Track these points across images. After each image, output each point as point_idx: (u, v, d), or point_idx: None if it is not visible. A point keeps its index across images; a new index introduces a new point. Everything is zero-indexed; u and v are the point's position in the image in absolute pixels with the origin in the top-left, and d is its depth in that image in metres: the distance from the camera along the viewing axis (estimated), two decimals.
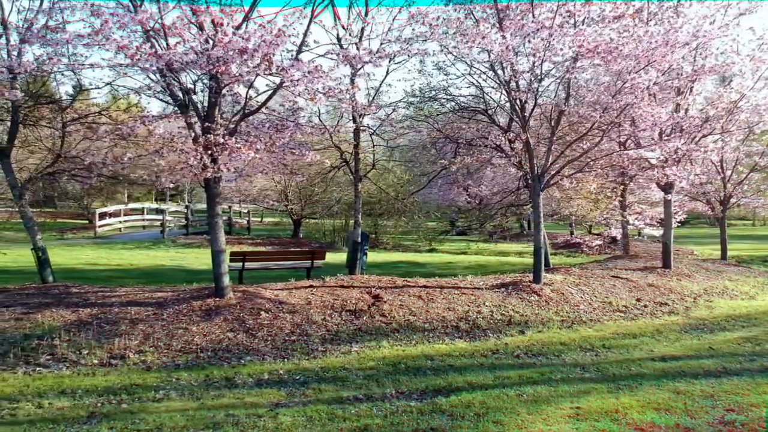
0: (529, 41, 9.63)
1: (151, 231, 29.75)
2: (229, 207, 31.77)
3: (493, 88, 13.90)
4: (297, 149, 9.52)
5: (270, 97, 9.38)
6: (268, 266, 13.76)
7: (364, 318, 9.68)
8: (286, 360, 7.98)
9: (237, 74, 7.25)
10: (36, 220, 10.72)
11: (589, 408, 6.27)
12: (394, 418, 5.97)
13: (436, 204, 32.01)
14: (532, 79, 10.86)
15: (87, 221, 33.34)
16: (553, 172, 11.92)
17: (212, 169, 8.78)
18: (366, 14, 11.48)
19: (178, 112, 8.99)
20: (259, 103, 9.57)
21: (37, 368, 7.33)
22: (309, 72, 7.34)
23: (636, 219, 19.32)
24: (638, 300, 12.10)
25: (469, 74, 13.58)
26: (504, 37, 9.88)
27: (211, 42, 7.78)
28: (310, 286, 11.13)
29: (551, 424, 5.82)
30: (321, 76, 7.37)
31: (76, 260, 17.84)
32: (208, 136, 8.34)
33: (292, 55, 8.96)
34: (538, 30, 9.57)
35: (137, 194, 40.35)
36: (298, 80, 7.50)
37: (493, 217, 19.14)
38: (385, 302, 10.30)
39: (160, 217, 30.42)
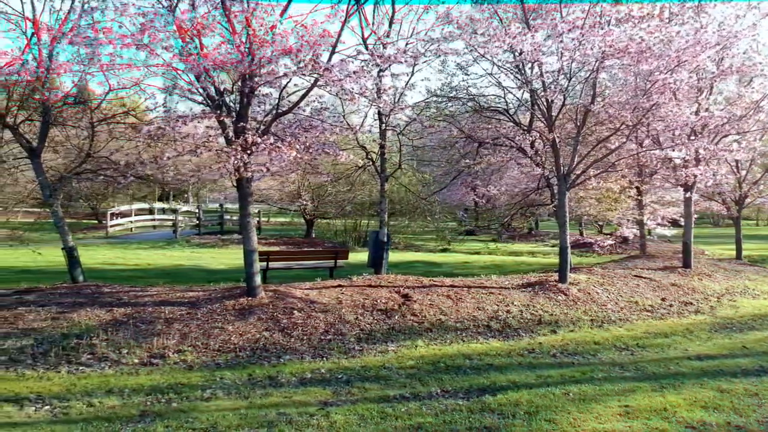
0: (561, 41, 9.64)
1: (162, 231, 29.79)
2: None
3: (516, 87, 13.94)
4: (331, 149, 9.52)
5: (303, 97, 9.41)
6: (290, 266, 13.80)
7: (396, 317, 9.70)
8: (325, 359, 8.00)
9: (282, 74, 7.26)
10: (65, 220, 10.71)
11: (637, 406, 6.29)
12: (445, 416, 5.99)
13: (442, 204, 32.03)
14: (559, 78, 10.87)
15: (96, 221, 33.43)
16: (578, 172, 11.94)
17: (246, 169, 8.81)
18: (392, 15, 11.50)
19: (212, 112, 8.99)
20: (291, 104, 9.59)
21: (80, 367, 7.36)
22: (354, 72, 7.37)
23: (648, 219, 19.31)
24: (663, 299, 12.12)
25: (491, 74, 13.62)
26: (534, 37, 9.93)
27: (248, 43, 7.82)
28: (339, 286, 11.15)
29: (603, 422, 5.84)
30: (365, 77, 7.39)
31: (94, 260, 17.86)
32: (246, 135, 8.36)
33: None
34: (570, 30, 9.59)
35: (140, 194, 40.32)
36: (339, 80, 7.52)
37: (513, 217, 19.05)
38: (415, 302, 10.32)
39: (170, 217, 30.53)
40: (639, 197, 19.20)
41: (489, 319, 9.97)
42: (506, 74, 12.53)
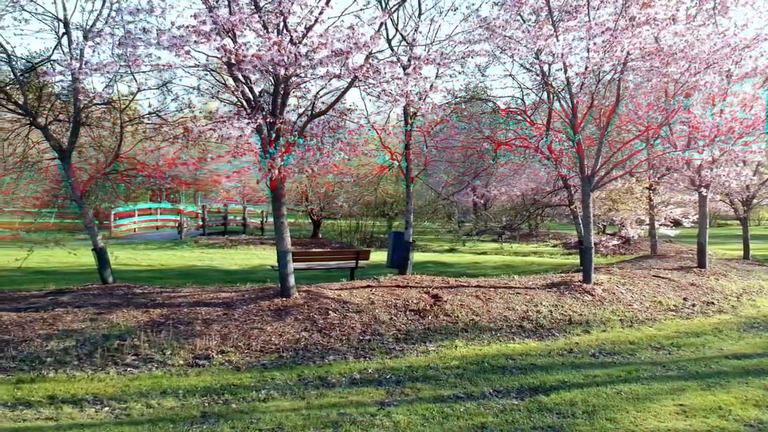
0: (594, 43, 9.71)
1: (165, 232, 29.69)
2: (244, 208, 31.76)
3: (535, 89, 14.02)
4: (368, 150, 9.56)
5: (339, 98, 9.42)
6: (312, 266, 13.80)
7: (430, 317, 9.74)
8: (368, 359, 8.03)
9: (333, 75, 7.29)
10: (91, 222, 10.66)
11: (692, 405, 6.36)
12: (505, 416, 6.03)
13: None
14: (586, 79, 10.95)
15: (97, 222, 33.22)
16: (602, 173, 12.03)
17: (285, 170, 8.83)
18: (419, 16, 11.55)
19: (249, 114, 8.99)
20: (327, 105, 9.60)
21: (128, 369, 7.35)
22: (407, 74, 7.40)
23: (658, 219, 19.49)
24: (685, 299, 12.23)
25: (511, 75, 13.71)
26: (565, 39, 10.00)
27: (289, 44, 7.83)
28: (368, 286, 11.18)
29: (663, 421, 5.90)
30: (416, 79, 7.42)
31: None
32: (287, 137, 8.37)
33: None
34: (602, 32, 9.67)
35: (134, 194, 39.99)
36: (387, 82, 7.55)
37: (530, 217, 19.16)
38: (446, 302, 10.36)
39: (173, 217, 30.44)
40: (650, 197, 19.35)
41: (521, 319, 10.03)
42: (528, 75, 12.57)
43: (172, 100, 10.61)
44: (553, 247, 30.89)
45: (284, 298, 9.79)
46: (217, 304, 9.63)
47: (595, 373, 7.53)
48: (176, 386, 6.77)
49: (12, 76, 9.98)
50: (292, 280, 9.97)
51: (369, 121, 12.48)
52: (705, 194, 14.99)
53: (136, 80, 10.44)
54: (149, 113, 11.41)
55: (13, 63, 9.84)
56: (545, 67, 12.02)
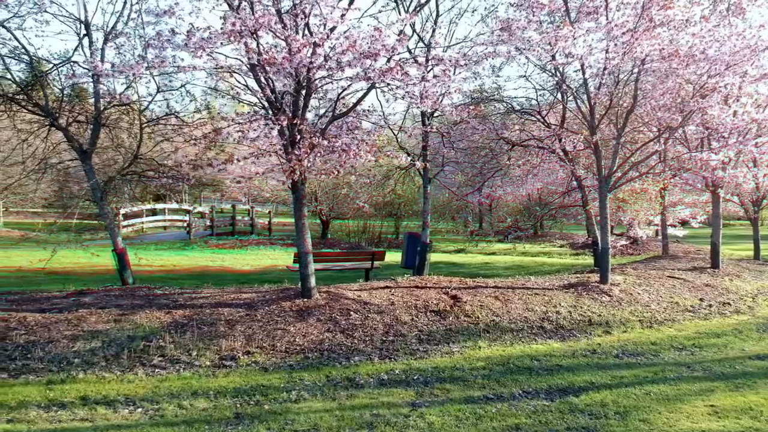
0: (615, 44, 9.73)
1: (173, 232, 29.69)
2: (252, 208, 31.78)
3: (550, 89, 14.04)
4: (390, 152, 9.58)
5: (361, 99, 9.45)
6: (329, 267, 13.82)
7: (450, 318, 9.75)
8: (393, 360, 8.05)
9: (363, 78, 7.31)
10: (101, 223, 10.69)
11: (722, 406, 6.38)
12: (538, 417, 6.05)
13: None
14: (605, 80, 10.97)
15: (101, 222, 33.18)
16: (619, 174, 12.04)
17: (308, 171, 8.86)
18: (436, 19, 11.57)
19: (272, 114, 9.01)
20: (347, 106, 9.63)
21: (155, 370, 7.37)
22: (435, 76, 7.43)
23: (672, 219, 19.50)
24: (701, 300, 12.24)
25: (526, 77, 13.73)
26: (585, 40, 10.02)
27: (312, 45, 7.85)
28: (387, 287, 11.20)
29: (696, 422, 5.92)
30: (446, 81, 7.45)
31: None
32: (313, 138, 8.40)
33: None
34: (623, 33, 9.68)
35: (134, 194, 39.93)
36: (414, 84, 7.57)
37: (544, 218, 19.19)
38: (465, 303, 10.38)
39: (180, 217, 30.45)
40: (663, 198, 19.36)
41: (541, 320, 10.05)
42: (543, 76, 12.58)
43: (191, 101, 10.62)
44: (560, 247, 30.87)
45: (305, 299, 9.81)
46: (238, 304, 9.65)
47: (622, 373, 7.55)
48: (206, 387, 6.79)
49: (33, 78, 10.00)
50: (312, 281, 9.98)
51: (386, 121, 12.52)
52: (718, 195, 15.00)
53: (156, 82, 10.48)
54: (166, 114, 11.45)
55: (35, 64, 9.87)
56: (561, 69, 12.03)
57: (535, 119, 13.47)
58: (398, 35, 7.21)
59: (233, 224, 30.29)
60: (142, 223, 29.54)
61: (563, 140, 12.57)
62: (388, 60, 8.80)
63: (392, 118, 12.87)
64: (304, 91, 9.14)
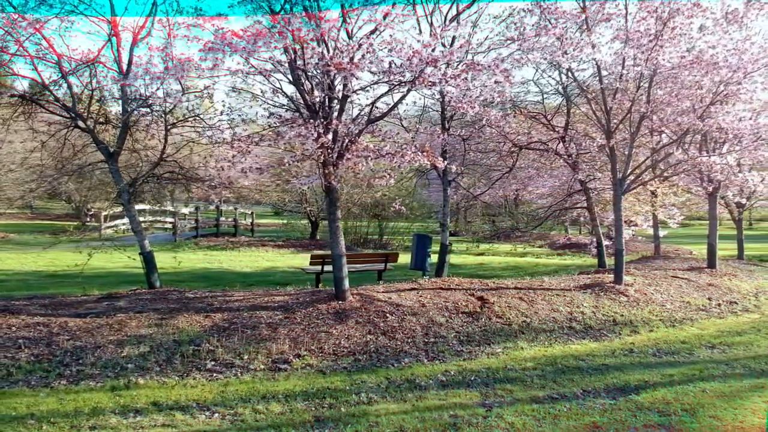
0: (642, 51, 10.01)
1: (157, 233, 29.17)
2: (235, 209, 31.48)
3: (557, 93, 14.32)
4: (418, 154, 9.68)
5: (398, 102, 9.52)
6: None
7: (483, 320, 9.89)
8: (442, 361, 8.14)
9: (431, 82, 7.39)
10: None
11: None
12: (610, 415, 6.22)
13: (433, 204, 32.70)
14: (626, 84, 11.26)
15: (81, 223, 32.45)
16: (632, 177, 12.37)
17: (335, 174, 8.94)
18: (456, 19, 11.70)
19: (309, 118, 9.01)
20: (384, 110, 9.69)
21: (212, 374, 7.32)
22: (474, 79, 7.56)
23: (667, 218, 20.05)
24: (710, 299, 12.65)
25: (533, 81, 14.00)
26: (611, 47, 10.28)
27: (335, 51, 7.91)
28: (413, 289, 11.28)
29: (762, 417, 6.17)
30: (476, 84, 7.60)
31: (114, 263, 17.53)
32: (353, 143, 8.45)
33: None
34: (648, 41, 9.97)
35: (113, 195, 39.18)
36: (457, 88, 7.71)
37: (546, 220, 19.52)
38: (493, 304, 10.53)
39: (164, 218, 29.94)
40: (654, 199, 19.86)
41: (568, 321, 10.26)
42: (552, 79, 12.83)
43: (211, 104, 10.55)
44: (539, 247, 31.40)
45: (340, 301, 9.83)
46: (274, 307, 9.61)
47: (669, 372, 7.79)
48: (273, 391, 6.78)
49: (61, 79, 9.78)
50: (346, 283, 10.01)
51: (401, 124, 12.61)
52: (715, 197, 15.52)
53: (181, 84, 10.37)
54: (194, 116, 11.31)
55: (63, 66, 9.66)
56: (577, 74, 12.30)
57: (549, 124, 13.71)
58: (445, 50, 7.31)
59: (217, 225, 29.94)
60: (124, 224, 28.94)
61: (567, 142, 12.86)
62: (447, 65, 8.88)
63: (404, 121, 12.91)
64: (340, 95, 9.19)
